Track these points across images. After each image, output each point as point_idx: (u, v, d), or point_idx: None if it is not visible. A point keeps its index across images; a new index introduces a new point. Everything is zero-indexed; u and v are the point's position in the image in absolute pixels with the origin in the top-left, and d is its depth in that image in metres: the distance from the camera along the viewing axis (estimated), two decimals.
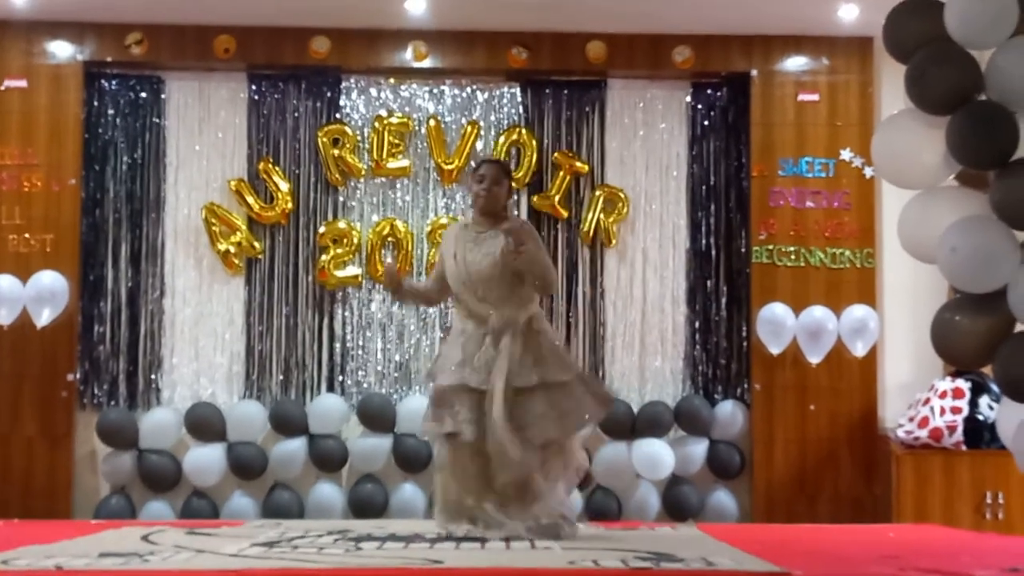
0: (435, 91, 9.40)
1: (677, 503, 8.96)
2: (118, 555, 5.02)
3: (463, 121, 9.31)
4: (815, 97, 9.21)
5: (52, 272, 8.78)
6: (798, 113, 9.22)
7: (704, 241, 9.35)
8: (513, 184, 6.40)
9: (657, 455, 8.92)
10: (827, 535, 6.75)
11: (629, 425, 9.01)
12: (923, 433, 8.32)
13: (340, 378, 9.19)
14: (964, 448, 8.28)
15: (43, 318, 8.68)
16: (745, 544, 5.60)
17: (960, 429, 8.28)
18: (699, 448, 9.05)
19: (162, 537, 6.00)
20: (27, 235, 8.91)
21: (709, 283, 9.33)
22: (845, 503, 8.88)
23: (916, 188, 5.22)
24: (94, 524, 6.64)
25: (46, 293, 8.72)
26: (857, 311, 8.93)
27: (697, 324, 9.31)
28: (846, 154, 9.14)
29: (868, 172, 9.05)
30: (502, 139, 9.26)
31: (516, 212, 9.11)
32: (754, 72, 9.23)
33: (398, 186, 9.32)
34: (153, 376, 9.14)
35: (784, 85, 9.24)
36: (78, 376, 9.01)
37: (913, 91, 4.97)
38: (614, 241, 9.28)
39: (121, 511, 8.72)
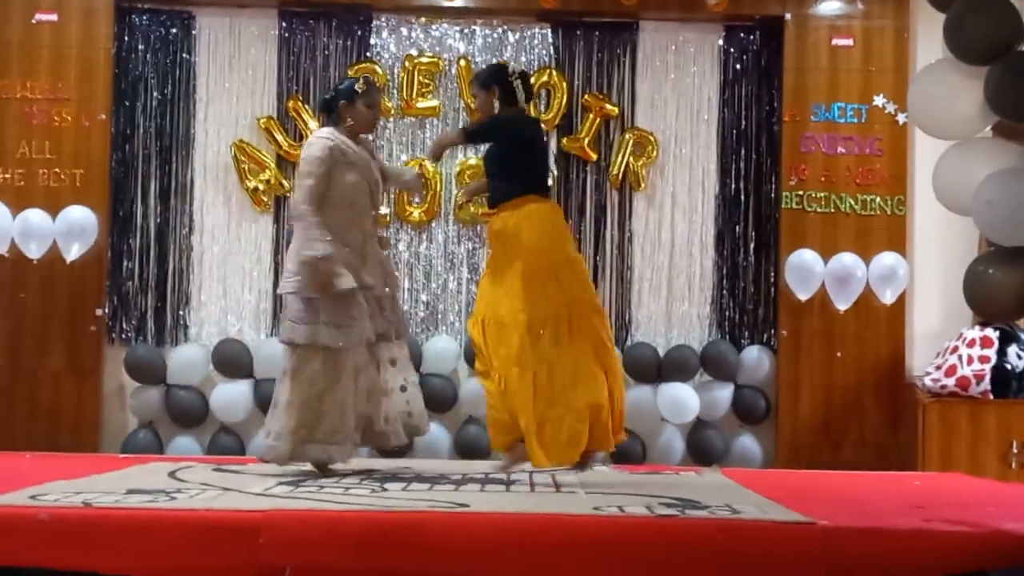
0: (466, 31, 9.34)
1: (702, 447, 8.97)
2: (145, 492, 5.06)
3: (493, 61, 9.24)
4: (849, 42, 9.11)
5: (81, 207, 8.79)
6: (831, 58, 9.12)
7: (734, 186, 9.31)
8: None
9: (682, 399, 8.93)
10: (852, 482, 6.73)
11: (655, 369, 9.03)
12: (950, 381, 8.29)
13: None
14: (991, 397, 8.25)
15: (72, 253, 8.71)
16: (769, 491, 5.60)
17: (988, 378, 8.24)
18: (724, 393, 9.06)
19: (189, 474, 6.06)
20: (57, 170, 8.91)
21: (738, 228, 9.30)
22: (869, 450, 8.87)
23: (952, 139, 5.17)
24: (121, 459, 6.69)
25: (76, 228, 8.74)
26: (886, 258, 8.89)
27: (725, 269, 9.29)
28: (879, 100, 9.05)
29: (901, 119, 8.97)
30: (532, 80, 9.19)
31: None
32: (788, 16, 9.13)
33: (427, 126, 9.30)
34: (181, 312, 9.18)
35: (818, 30, 9.15)
36: (107, 311, 9.05)
37: (952, 40, 4.91)
38: (643, 185, 9.25)
39: (148, 446, 8.78)
